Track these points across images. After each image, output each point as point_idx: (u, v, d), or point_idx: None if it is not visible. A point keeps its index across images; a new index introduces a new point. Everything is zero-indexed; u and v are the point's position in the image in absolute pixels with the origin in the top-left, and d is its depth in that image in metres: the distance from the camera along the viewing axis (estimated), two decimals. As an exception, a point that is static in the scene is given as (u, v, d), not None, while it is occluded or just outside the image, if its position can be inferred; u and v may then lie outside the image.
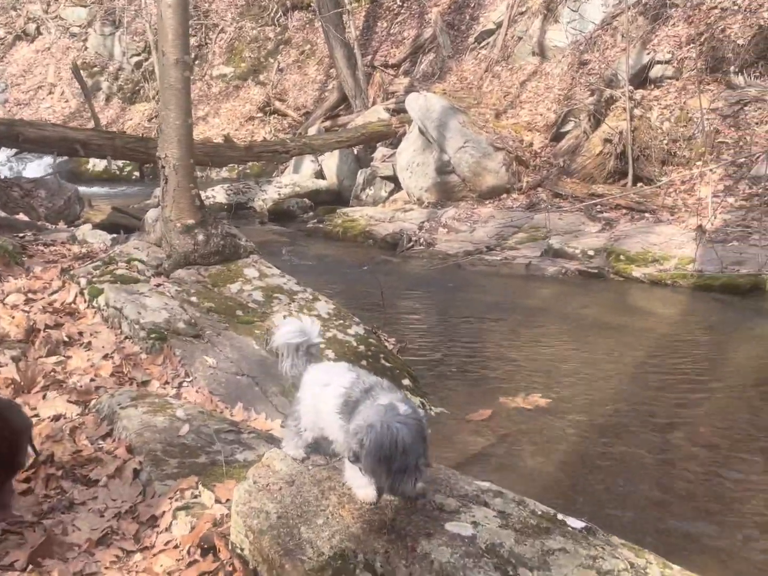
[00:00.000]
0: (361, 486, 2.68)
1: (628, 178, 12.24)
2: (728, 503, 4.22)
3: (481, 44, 17.85)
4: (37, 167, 18.03)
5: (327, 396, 2.74)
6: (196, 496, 3.18)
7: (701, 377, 6.19)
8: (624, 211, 11.45)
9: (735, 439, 5.05)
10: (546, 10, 16.27)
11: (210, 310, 5.53)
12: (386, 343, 6.22)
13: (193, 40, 23.46)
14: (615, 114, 12.83)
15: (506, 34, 16.99)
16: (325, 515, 2.68)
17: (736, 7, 13.38)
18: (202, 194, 13.71)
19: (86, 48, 25.37)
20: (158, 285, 5.67)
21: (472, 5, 18.95)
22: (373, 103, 18.09)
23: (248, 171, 18.80)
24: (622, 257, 9.59)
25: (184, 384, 4.78)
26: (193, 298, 5.62)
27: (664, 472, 4.60)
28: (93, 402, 4.16)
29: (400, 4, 20.85)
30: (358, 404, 2.66)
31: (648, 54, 13.75)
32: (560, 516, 2.79)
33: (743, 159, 11.47)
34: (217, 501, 3.12)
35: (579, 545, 2.58)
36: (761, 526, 3.96)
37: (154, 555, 2.88)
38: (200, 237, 5.93)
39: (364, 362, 5.27)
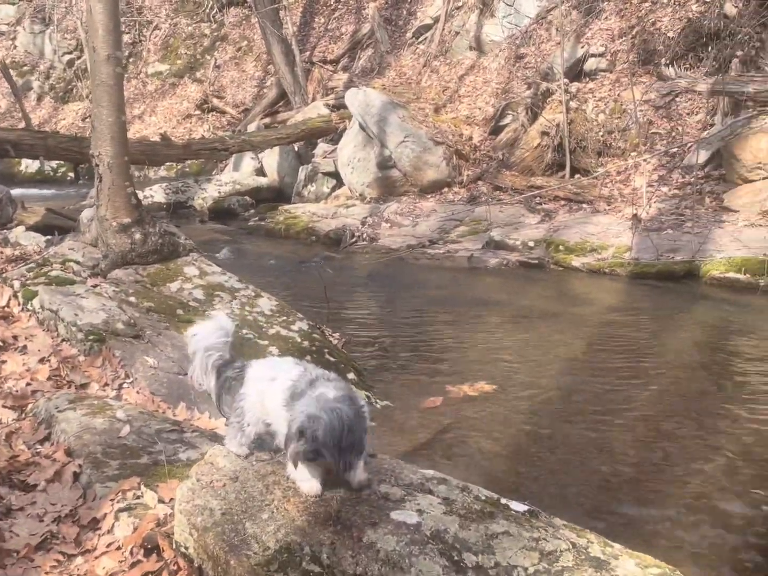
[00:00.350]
0: (305, 479, 2.68)
1: (565, 169, 12.46)
2: (666, 483, 4.33)
3: (419, 39, 17.94)
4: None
5: (274, 390, 2.73)
6: (138, 497, 3.13)
7: (640, 362, 6.35)
8: (562, 202, 11.66)
9: (672, 422, 5.19)
10: (482, 4, 16.44)
11: (149, 309, 5.44)
12: (331, 338, 6.21)
13: (126, 38, 23.00)
14: (551, 107, 13.04)
15: (443, 29, 17.10)
16: (270, 510, 2.67)
17: (665, 1, 13.73)
18: (140, 193, 13.50)
19: (15, 46, 24.63)
20: (95, 286, 5.55)
21: (409, 0, 19.01)
22: (313, 99, 18.03)
23: (187, 169, 18.53)
24: (561, 247, 9.76)
25: (125, 385, 4.69)
26: (132, 298, 5.52)
27: (605, 454, 4.71)
28: (30, 406, 4.06)
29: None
30: (302, 395, 2.66)
31: (582, 47, 14.01)
32: (504, 500, 2.83)
33: (675, 149, 11.79)
34: (161, 501, 3.08)
35: (522, 528, 2.62)
36: (697, 503, 4.08)
37: (96, 558, 2.82)
38: (137, 236, 5.82)
39: (308, 357, 5.25)
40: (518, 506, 2.80)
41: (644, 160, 11.66)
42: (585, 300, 8.49)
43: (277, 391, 2.72)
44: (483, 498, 2.82)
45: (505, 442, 4.87)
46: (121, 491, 3.13)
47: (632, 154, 12.02)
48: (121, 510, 3.04)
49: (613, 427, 5.10)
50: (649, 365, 6.26)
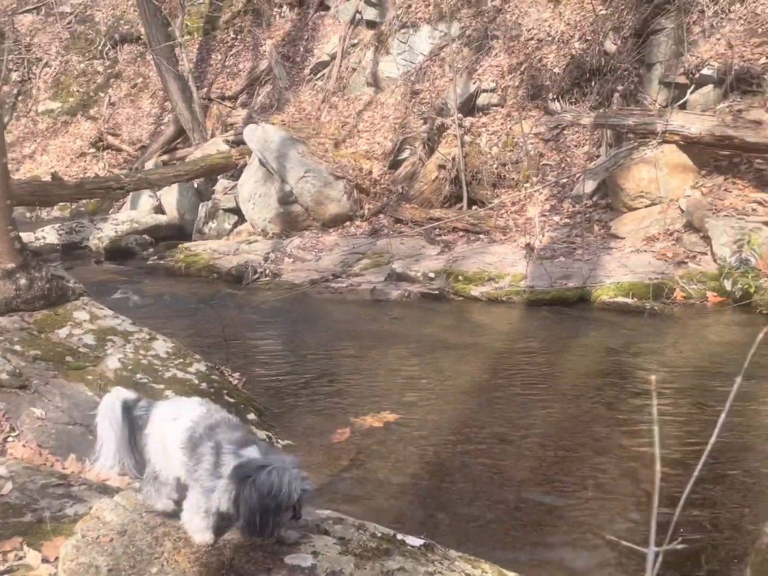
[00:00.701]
0: (198, 530, 2.62)
1: (463, 201, 12.76)
2: (563, 510, 4.43)
3: (317, 75, 18.11)
4: None
5: (175, 430, 2.68)
6: (20, 558, 2.97)
7: (538, 388, 6.51)
8: (461, 233, 11.93)
9: (569, 448, 5.33)
10: (377, 41, 16.77)
11: (36, 358, 5.20)
12: (230, 379, 6.11)
13: (15, 75, 22.30)
14: (447, 141, 13.37)
15: (340, 66, 17.34)
16: (160, 563, 2.59)
17: (550, 38, 14.35)
18: (32, 235, 13.05)
19: None
20: (-23, 335, 5.28)
21: (306, 38, 19.20)
22: (212, 136, 17.87)
23: (82, 209, 17.96)
24: (460, 277, 9.96)
25: (9, 439, 4.47)
26: (17, 347, 5.27)
27: (504, 483, 4.79)
28: None
29: (234, 36, 20.79)
30: (201, 442, 2.61)
31: (474, 83, 14.47)
32: (400, 536, 2.85)
33: (565, 179, 12.28)
34: (45, 560, 2.93)
35: (418, 563, 2.64)
36: (593, 529, 4.19)
37: (-27, 628, 2.66)
38: (22, 281, 5.58)
39: (206, 399, 5.14)
40: (414, 541, 2.82)
41: (536, 191, 12.09)
42: (484, 329, 8.68)
43: (177, 431, 2.66)
44: (379, 535, 2.83)
45: (406, 475, 4.89)
46: (1, 553, 2.97)
47: (525, 185, 12.45)
48: (0, 573, 2.88)
49: (512, 455, 5.20)
50: (547, 391, 6.43)
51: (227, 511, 2.54)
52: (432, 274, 10.29)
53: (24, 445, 4.40)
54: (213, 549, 2.63)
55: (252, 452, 2.54)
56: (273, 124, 15.26)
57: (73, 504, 3.38)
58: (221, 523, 2.65)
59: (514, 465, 5.02)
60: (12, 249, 5.61)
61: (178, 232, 15.08)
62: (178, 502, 2.77)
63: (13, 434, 4.51)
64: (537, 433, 5.55)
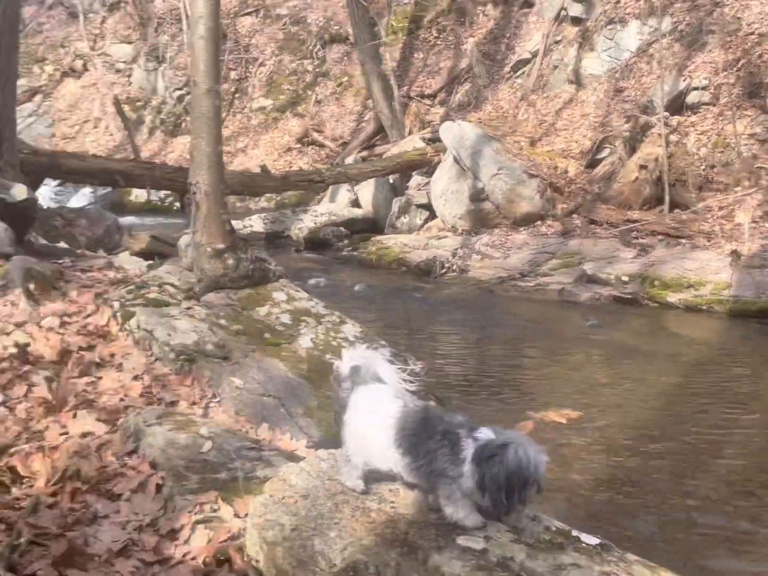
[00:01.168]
0: (467, 515, 2.64)
1: (664, 204, 12.13)
2: (752, 539, 4.11)
3: (517, 73, 17.96)
4: (82, 197, 18.54)
5: (374, 424, 2.73)
6: (215, 510, 3.22)
7: (735, 407, 6.06)
8: (660, 237, 11.34)
9: (762, 469, 4.93)
10: (582, 38, 16.35)
11: (238, 332, 5.61)
12: (413, 366, 6.22)
13: (233, 74, 24.02)
14: (651, 140, 12.77)
15: (542, 63, 17.08)
16: (339, 528, 2.70)
17: (773, 33, 13.27)
18: (240, 223, 14.03)
19: (130, 83, 26.09)
20: (189, 308, 5.76)
21: (508, 35, 19.10)
22: (410, 133, 18.27)
23: (286, 201, 19.03)
24: (656, 283, 9.48)
25: (211, 404, 4.84)
26: (222, 321, 5.71)
27: (690, 500, 4.52)
28: (121, 420, 4.24)
29: (437, 35, 21.10)
30: (419, 437, 2.63)
31: (684, 80, 13.69)
32: (575, 532, 2.77)
33: (782, 184, 11.31)
34: (236, 515, 3.16)
35: (592, 561, 2.56)
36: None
37: (172, 566, 2.92)
38: (230, 261, 6.03)
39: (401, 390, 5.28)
40: (590, 539, 2.74)
41: (748, 195, 11.23)
42: (680, 337, 8.21)
43: (379, 427, 2.71)
44: (554, 529, 2.77)
45: (585, 475, 4.75)
46: (198, 504, 3.23)
47: (736, 189, 11.60)
48: (197, 522, 3.14)
49: (698, 472, 4.89)
50: (745, 411, 5.97)
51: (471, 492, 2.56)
52: (625, 278, 9.88)
53: (223, 411, 4.76)
54: (389, 521, 2.71)
55: (487, 432, 2.55)
56: (469, 121, 15.33)
57: (264, 467, 3.60)
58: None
59: (701, 483, 4.71)
60: (223, 231, 6.09)
61: (371, 226, 15.58)
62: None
63: (215, 400, 4.88)
64: (728, 454, 5.17)
